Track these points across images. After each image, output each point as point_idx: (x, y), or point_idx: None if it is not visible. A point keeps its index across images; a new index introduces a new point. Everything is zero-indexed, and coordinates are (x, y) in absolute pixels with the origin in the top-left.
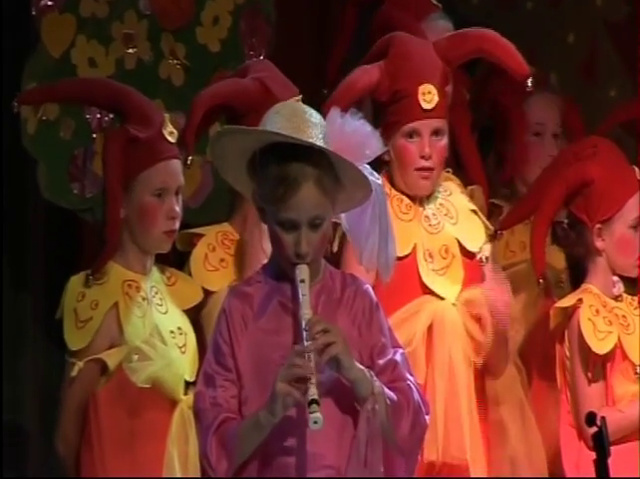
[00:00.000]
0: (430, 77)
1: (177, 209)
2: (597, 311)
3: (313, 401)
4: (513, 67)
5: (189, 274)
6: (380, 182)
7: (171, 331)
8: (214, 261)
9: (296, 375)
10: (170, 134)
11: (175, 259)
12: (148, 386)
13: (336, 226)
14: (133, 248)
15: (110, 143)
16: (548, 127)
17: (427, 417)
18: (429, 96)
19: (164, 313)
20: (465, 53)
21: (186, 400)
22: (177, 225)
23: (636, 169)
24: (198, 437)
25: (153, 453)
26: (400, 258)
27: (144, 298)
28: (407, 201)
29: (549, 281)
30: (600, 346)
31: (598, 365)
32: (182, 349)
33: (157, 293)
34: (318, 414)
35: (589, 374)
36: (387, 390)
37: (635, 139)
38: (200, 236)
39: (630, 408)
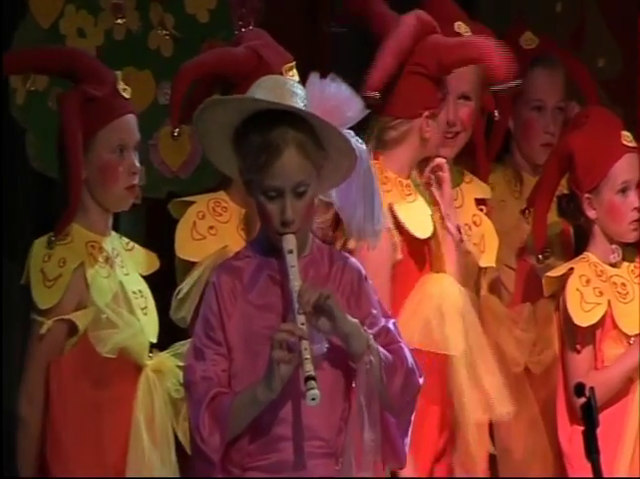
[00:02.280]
0: None
1: (137, 164)
2: (588, 281)
3: (310, 377)
4: (497, 75)
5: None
6: (364, 146)
7: (134, 292)
8: (202, 229)
9: (289, 339)
10: (124, 90)
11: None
12: (113, 356)
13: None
14: (94, 208)
15: (66, 105)
16: (548, 102)
17: (420, 379)
18: None
19: (126, 275)
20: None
21: (151, 365)
22: (137, 179)
23: (625, 134)
24: (189, 410)
25: (118, 422)
26: (422, 240)
27: (107, 259)
28: (405, 181)
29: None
30: (584, 318)
31: (588, 333)
32: (145, 311)
33: (118, 255)
34: (316, 391)
35: (577, 342)
36: (381, 349)
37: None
38: (188, 203)
39: (615, 368)
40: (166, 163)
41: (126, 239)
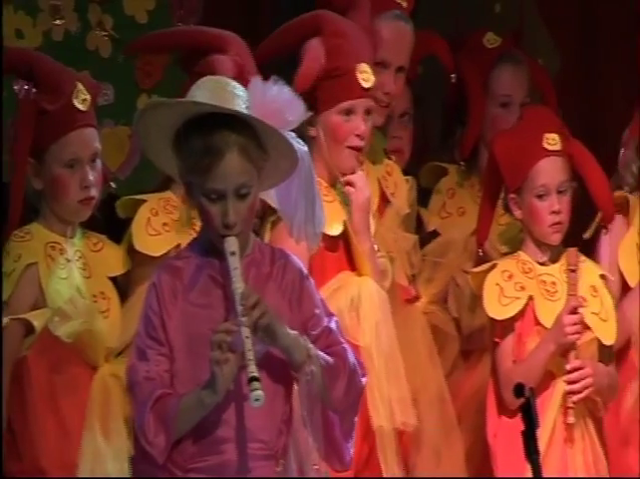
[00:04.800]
0: (365, 56)
1: (91, 177)
2: (510, 276)
3: (253, 378)
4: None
5: (131, 239)
6: (305, 148)
7: (94, 296)
8: (157, 226)
9: (227, 339)
10: (82, 102)
11: (111, 226)
12: (70, 341)
13: None
14: (52, 217)
15: (21, 114)
16: (515, 97)
17: (363, 379)
18: (366, 75)
19: (87, 277)
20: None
21: (108, 367)
22: (94, 192)
23: (549, 136)
24: (134, 411)
25: (74, 408)
26: (332, 237)
27: (68, 260)
28: (325, 183)
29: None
30: (500, 311)
31: (507, 327)
32: (105, 314)
33: (80, 258)
34: (260, 392)
35: (496, 336)
36: (322, 354)
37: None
38: (143, 201)
39: (532, 358)
40: (105, 163)
41: (95, 239)
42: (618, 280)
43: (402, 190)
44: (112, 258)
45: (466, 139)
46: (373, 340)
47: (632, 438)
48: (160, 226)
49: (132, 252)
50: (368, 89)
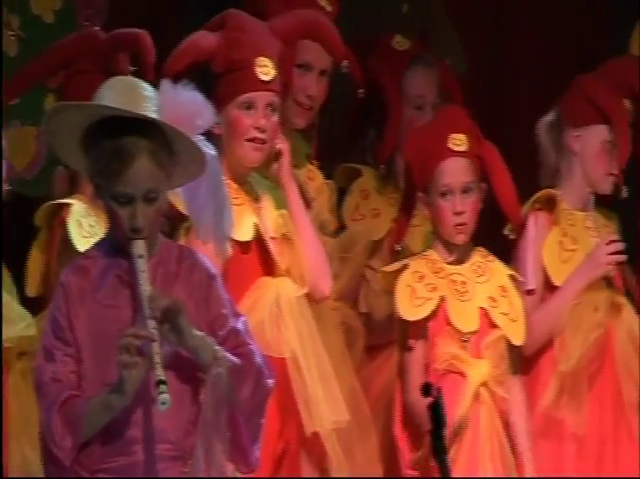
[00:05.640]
0: (266, 50)
1: None
2: (421, 278)
3: (160, 382)
4: (334, 50)
5: (67, 244)
6: (214, 152)
7: None
8: (87, 228)
9: (135, 343)
10: None
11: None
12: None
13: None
14: None
15: None
16: (427, 99)
17: (270, 382)
18: (266, 68)
19: None
20: (296, 35)
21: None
22: None
23: (455, 136)
24: (40, 413)
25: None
26: (242, 243)
27: None
28: (235, 185)
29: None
30: (412, 313)
31: (420, 328)
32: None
33: None
34: (166, 396)
35: (409, 337)
36: (229, 355)
37: None
38: (65, 204)
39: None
40: (12, 163)
41: None
42: (542, 279)
43: (323, 194)
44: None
45: (384, 143)
46: (298, 350)
47: (551, 435)
48: (89, 228)
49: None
50: (268, 82)
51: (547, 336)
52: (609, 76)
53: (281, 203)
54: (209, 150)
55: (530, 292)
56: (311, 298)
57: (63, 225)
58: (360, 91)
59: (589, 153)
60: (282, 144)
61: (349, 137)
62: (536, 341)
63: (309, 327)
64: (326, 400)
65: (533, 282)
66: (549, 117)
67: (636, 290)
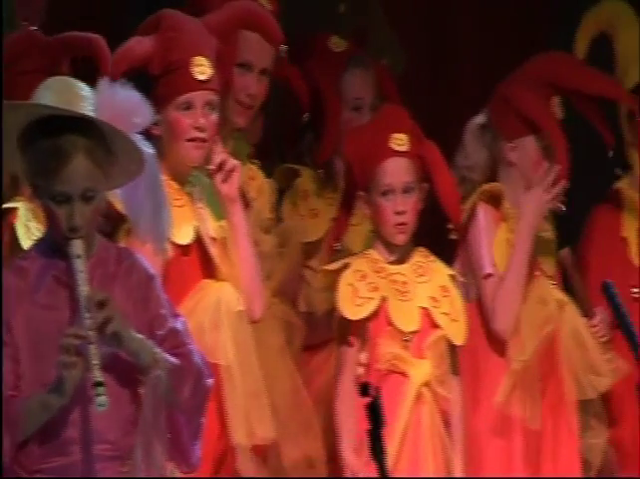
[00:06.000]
0: (202, 49)
1: None
2: (363, 276)
3: (98, 383)
4: (271, 35)
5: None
6: (152, 152)
7: None
8: (35, 231)
9: (75, 343)
10: None
11: None
12: None
13: None
14: None
15: None
16: (366, 100)
17: (209, 381)
18: (202, 67)
19: None
20: (231, 26)
21: None
22: None
23: (397, 136)
24: None
25: None
26: (183, 245)
27: None
28: (176, 186)
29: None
30: (354, 312)
31: (361, 327)
32: None
33: None
34: (104, 397)
35: (350, 334)
36: (168, 356)
37: None
38: (12, 209)
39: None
40: None
41: None
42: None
43: (264, 194)
44: None
45: (323, 145)
46: (233, 359)
47: (502, 431)
48: (37, 230)
49: None
50: (205, 81)
51: (517, 312)
52: (532, 78)
53: (221, 214)
54: (147, 149)
55: (488, 276)
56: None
57: (11, 229)
58: (305, 115)
59: (527, 163)
60: (234, 161)
61: (288, 139)
62: (509, 321)
63: (246, 336)
64: (254, 415)
65: (490, 266)
66: (479, 119)
67: (579, 284)
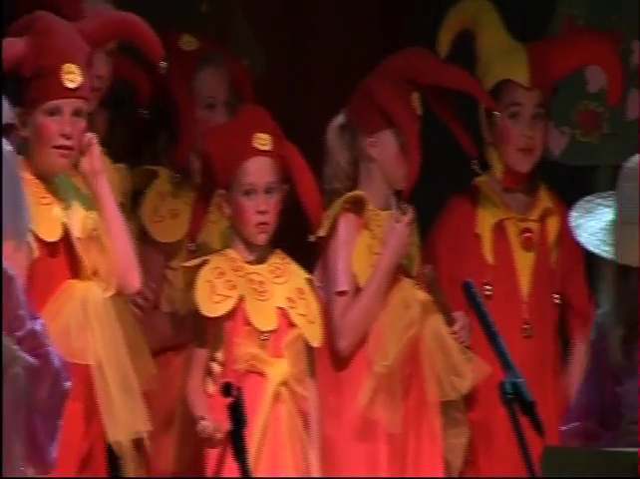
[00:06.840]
0: (73, 56)
1: None
2: (222, 274)
3: None
4: (151, 50)
5: None
6: (9, 148)
7: None
8: None
9: None
10: None
11: None
12: None
13: None
14: None
15: None
16: (219, 98)
17: (67, 384)
18: (72, 75)
19: None
20: (106, 35)
21: None
22: None
23: (260, 136)
24: None
25: None
26: (54, 243)
27: None
28: (42, 185)
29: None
30: (212, 309)
31: (218, 325)
32: None
33: None
34: None
35: (207, 333)
36: (26, 356)
37: None
38: None
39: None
40: None
41: None
42: (352, 280)
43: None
44: None
45: (179, 145)
46: (103, 358)
47: (365, 436)
48: None
49: None
50: (74, 89)
51: (362, 335)
52: (392, 74)
53: (89, 205)
54: (6, 146)
55: (342, 294)
56: (120, 292)
57: None
58: (145, 112)
59: (387, 157)
60: (89, 134)
61: (141, 140)
62: (353, 342)
63: (114, 333)
64: (128, 410)
65: (345, 284)
66: (339, 120)
67: (439, 289)
